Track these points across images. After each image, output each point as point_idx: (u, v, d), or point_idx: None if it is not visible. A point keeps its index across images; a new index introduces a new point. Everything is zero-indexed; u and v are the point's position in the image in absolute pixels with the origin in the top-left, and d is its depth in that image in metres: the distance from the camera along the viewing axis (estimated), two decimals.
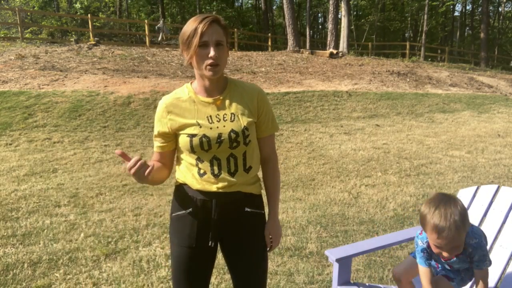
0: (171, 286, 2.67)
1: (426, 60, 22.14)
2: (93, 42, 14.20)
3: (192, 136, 1.45)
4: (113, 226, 3.62)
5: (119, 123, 7.67)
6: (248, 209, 1.55)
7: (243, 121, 1.48)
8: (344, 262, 2.05)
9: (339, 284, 2.06)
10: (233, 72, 11.83)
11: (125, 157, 1.30)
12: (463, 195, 2.30)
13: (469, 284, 1.95)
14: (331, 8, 18.14)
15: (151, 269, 2.89)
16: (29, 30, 22.80)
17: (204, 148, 1.45)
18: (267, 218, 1.65)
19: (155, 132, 1.53)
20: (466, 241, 1.62)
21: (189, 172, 1.51)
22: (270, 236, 1.63)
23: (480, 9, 32.00)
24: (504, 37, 37.23)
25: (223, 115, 1.48)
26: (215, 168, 1.48)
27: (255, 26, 34.87)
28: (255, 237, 1.59)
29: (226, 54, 1.44)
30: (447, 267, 1.76)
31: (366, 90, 11.30)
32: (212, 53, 1.38)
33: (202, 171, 1.48)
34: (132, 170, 1.29)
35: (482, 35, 25.97)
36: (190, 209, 1.52)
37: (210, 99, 1.49)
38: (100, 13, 28.89)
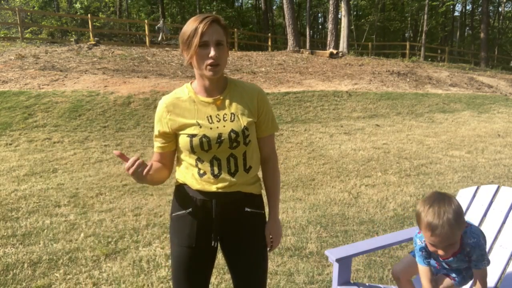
0: (171, 286, 2.67)
1: (426, 60, 22.14)
2: (93, 42, 14.20)
3: (192, 136, 1.45)
4: (113, 226, 3.62)
5: (119, 123, 7.67)
6: (248, 209, 1.55)
7: (243, 121, 1.48)
8: (344, 262, 2.05)
9: (339, 284, 2.06)
10: (233, 72, 11.83)
11: (123, 157, 1.30)
12: (463, 195, 2.30)
13: (470, 283, 1.95)
14: (331, 8, 18.14)
15: (151, 269, 2.89)
16: (29, 30, 22.80)
17: (204, 148, 1.45)
18: (267, 218, 1.65)
19: (156, 132, 1.53)
20: (464, 240, 1.62)
21: (189, 172, 1.51)
22: (271, 236, 1.63)
23: (480, 9, 32.00)
24: (504, 37, 37.24)
25: (223, 115, 1.48)
26: (215, 168, 1.47)
27: (255, 26, 34.88)
28: (255, 237, 1.59)
29: (226, 54, 1.44)
30: (446, 266, 1.76)
31: (366, 90, 11.30)
32: (212, 53, 1.38)
33: (202, 171, 1.48)
34: (130, 170, 1.30)
35: (482, 35, 25.98)
36: (190, 209, 1.52)
37: (210, 99, 1.49)
38: (100, 13, 28.89)
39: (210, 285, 2.39)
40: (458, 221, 1.49)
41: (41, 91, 8.66)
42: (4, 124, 7.19)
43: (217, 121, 1.47)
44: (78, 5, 26.76)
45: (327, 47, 18.52)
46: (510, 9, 37.52)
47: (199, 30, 1.36)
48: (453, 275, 1.78)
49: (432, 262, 1.77)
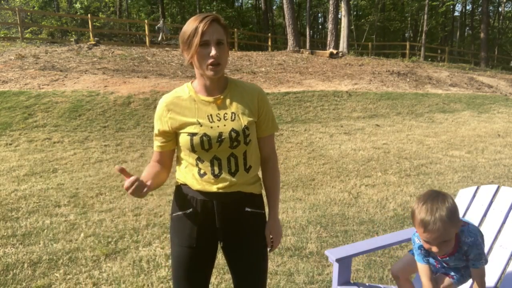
0: (171, 286, 2.67)
1: (426, 60, 22.15)
2: (93, 42, 14.20)
3: (192, 135, 1.45)
4: (113, 226, 3.62)
5: (119, 123, 7.67)
6: (249, 209, 1.55)
7: (244, 120, 1.48)
8: (344, 262, 2.05)
9: (339, 284, 2.06)
10: (233, 72, 11.83)
11: (124, 173, 1.30)
12: (463, 195, 2.30)
13: (470, 281, 1.95)
14: (331, 8, 18.14)
15: (151, 269, 2.89)
16: (29, 30, 22.81)
17: (205, 147, 1.45)
18: (267, 218, 1.65)
19: (155, 131, 1.53)
20: (461, 239, 1.63)
21: (189, 173, 1.51)
22: (271, 236, 1.63)
23: (480, 9, 32.01)
24: (504, 37, 37.25)
25: (224, 114, 1.48)
26: (216, 168, 1.47)
27: (255, 26, 34.87)
28: (256, 237, 1.59)
29: (226, 53, 1.44)
30: (444, 264, 1.76)
31: (366, 90, 11.30)
32: (213, 52, 1.37)
33: (202, 172, 1.48)
34: (130, 191, 1.30)
35: (482, 35, 25.98)
36: (190, 209, 1.52)
37: (210, 98, 1.49)
38: (100, 13, 28.89)
39: (210, 285, 2.39)
40: (452, 218, 1.49)
41: (41, 91, 8.66)
42: (4, 124, 7.19)
43: (218, 120, 1.47)
44: (78, 5, 26.77)
45: (327, 47, 18.52)
46: (510, 9, 37.55)
47: (200, 30, 1.36)
48: (452, 273, 1.78)
49: (431, 260, 1.77)
